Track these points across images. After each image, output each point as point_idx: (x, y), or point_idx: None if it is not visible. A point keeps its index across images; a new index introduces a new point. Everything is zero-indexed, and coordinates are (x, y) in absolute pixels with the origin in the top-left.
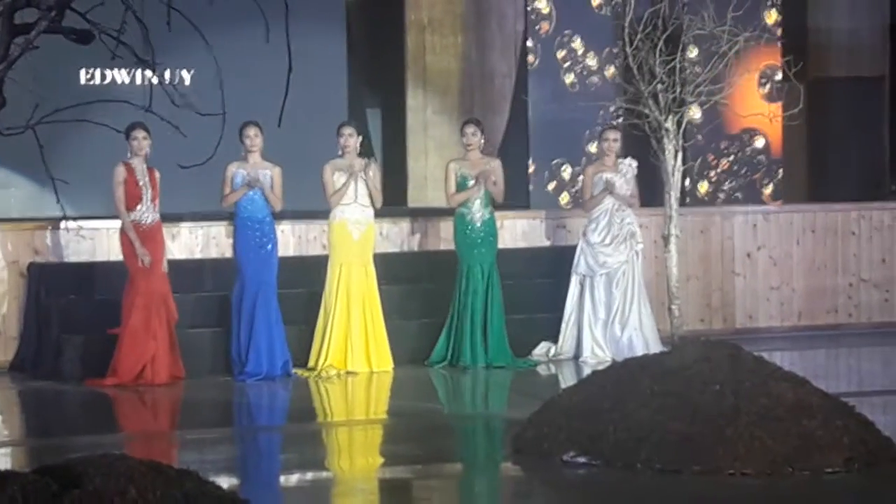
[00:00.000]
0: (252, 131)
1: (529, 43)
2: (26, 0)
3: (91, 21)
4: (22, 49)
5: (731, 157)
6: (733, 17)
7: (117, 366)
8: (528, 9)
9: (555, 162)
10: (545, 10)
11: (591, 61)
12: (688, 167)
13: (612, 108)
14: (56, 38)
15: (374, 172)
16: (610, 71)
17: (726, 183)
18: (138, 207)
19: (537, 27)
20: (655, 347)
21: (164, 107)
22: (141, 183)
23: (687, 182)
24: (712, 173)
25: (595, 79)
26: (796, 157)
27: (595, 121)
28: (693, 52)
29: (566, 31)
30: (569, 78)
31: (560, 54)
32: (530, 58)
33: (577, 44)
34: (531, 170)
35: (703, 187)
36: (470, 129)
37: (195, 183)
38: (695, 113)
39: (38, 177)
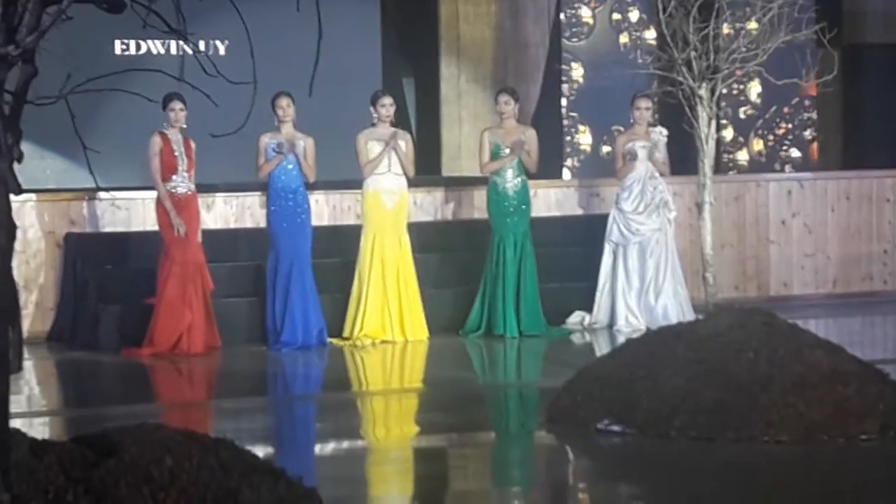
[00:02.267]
0: (284, 101)
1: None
2: None
3: None
4: (54, 18)
5: (790, 124)
6: None
7: (154, 335)
8: None
9: (614, 128)
10: None
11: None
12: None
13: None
14: (91, 8)
15: (407, 143)
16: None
17: (781, 148)
18: (174, 177)
19: None
20: (689, 315)
21: (196, 77)
22: (177, 153)
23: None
24: (770, 137)
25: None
26: (831, 124)
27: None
28: (728, 28)
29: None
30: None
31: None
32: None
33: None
34: (585, 134)
35: (758, 145)
36: (503, 98)
37: (229, 153)
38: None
39: (73, 148)
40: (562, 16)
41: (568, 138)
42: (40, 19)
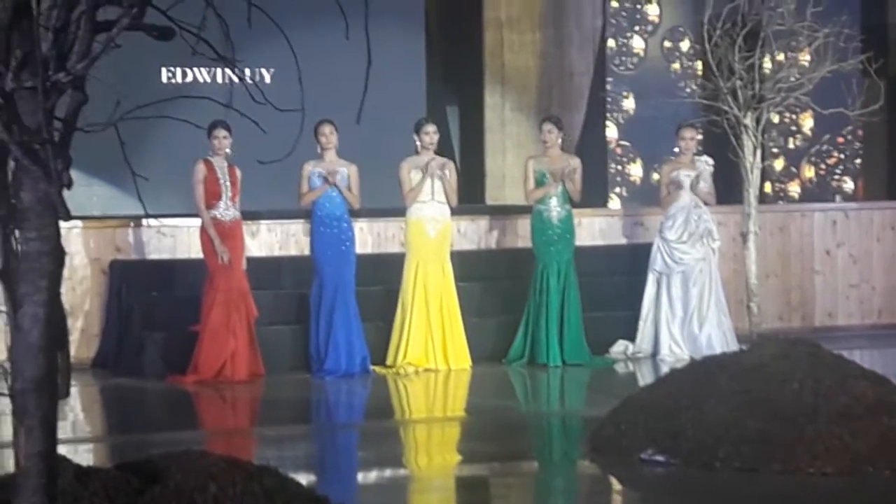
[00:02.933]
0: (327, 129)
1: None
2: None
3: (172, 18)
4: (104, 46)
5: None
6: (812, 14)
7: (198, 363)
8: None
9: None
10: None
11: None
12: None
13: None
14: (138, 36)
15: (451, 172)
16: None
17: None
18: (218, 205)
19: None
20: (733, 345)
21: (244, 104)
22: (221, 180)
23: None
24: (822, 166)
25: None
26: (877, 155)
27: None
28: (778, 56)
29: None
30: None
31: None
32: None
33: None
34: (637, 165)
35: (809, 172)
36: (547, 127)
37: (274, 181)
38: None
39: (119, 175)
40: (611, 43)
41: (619, 167)
42: (90, 46)
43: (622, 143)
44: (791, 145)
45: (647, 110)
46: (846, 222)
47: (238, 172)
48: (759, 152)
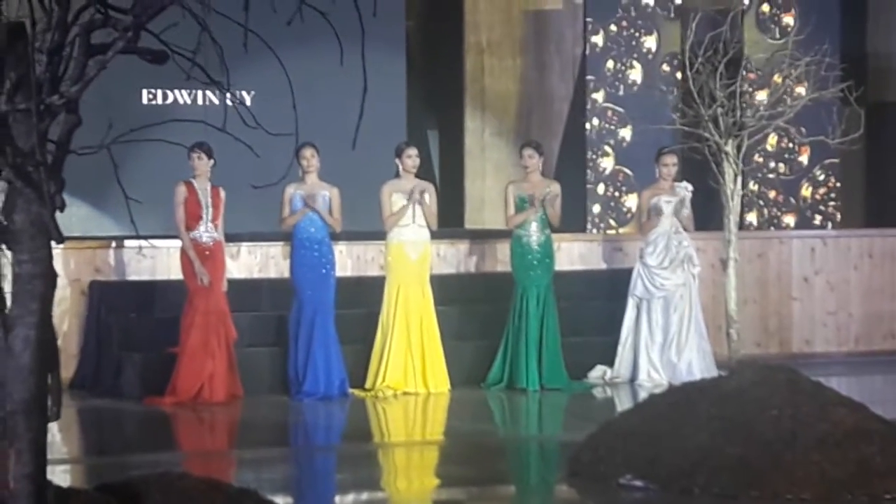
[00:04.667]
0: (309, 152)
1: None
2: (103, 21)
3: (165, 42)
4: (98, 69)
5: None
6: (794, 42)
7: (176, 384)
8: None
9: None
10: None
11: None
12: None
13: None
14: (120, 57)
15: (431, 196)
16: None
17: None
18: (198, 227)
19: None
20: (713, 371)
21: (230, 127)
22: (202, 202)
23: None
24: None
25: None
26: (854, 182)
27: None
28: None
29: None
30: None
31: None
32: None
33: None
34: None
35: (807, 190)
36: (528, 152)
37: (254, 203)
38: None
39: (100, 196)
40: (610, 64)
41: (617, 194)
42: (84, 69)
43: (624, 170)
44: (775, 173)
45: (637, 137)
46: (824, 250)
47: (222, 194)
48: (739, 179)
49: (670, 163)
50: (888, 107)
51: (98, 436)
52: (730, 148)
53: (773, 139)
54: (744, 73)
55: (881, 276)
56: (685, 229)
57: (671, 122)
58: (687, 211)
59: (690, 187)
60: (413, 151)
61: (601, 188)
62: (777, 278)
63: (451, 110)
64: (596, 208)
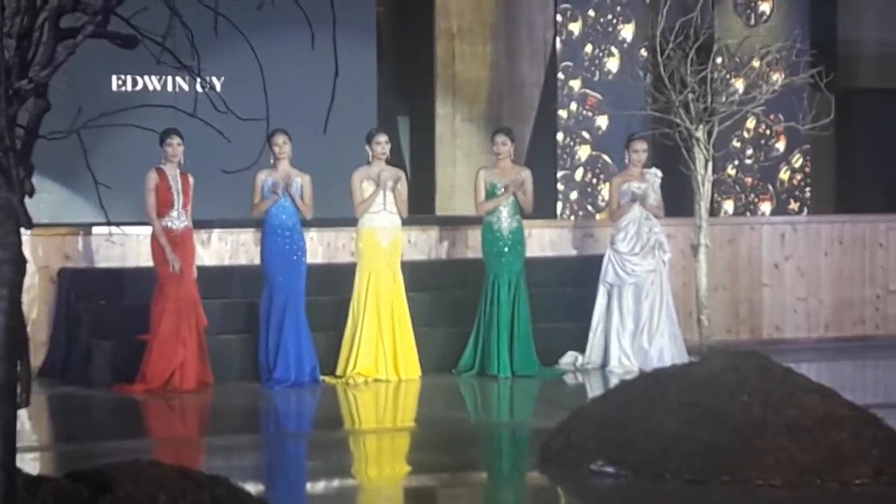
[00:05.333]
0: (281, 139)
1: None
2: (73, 5)
3: (135, 26)
4: (67, 53)
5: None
6: (764, 28)
7: (146, 372)
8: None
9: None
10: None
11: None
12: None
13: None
14: (89, 42)
15: (402, 183)
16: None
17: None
18: (170, 213)
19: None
20: (684, 358)
21: (200, 112)
22: (173, 189)
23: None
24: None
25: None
26: (825, 168)
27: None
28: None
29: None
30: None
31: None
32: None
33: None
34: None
35: (785, 174)
36: (500, 139)
37: (225, 190)
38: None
39: (69, 182)
40: (588, 48)
41: (595, 181)
42: (54, 54)
43: (603, 157)
44: (758, 157)
45: (614, 124)
46: (794, 236)
47: (191, 180)
48: (710, 165)
49: (640, 149)
50: (858, 93)
51: (68, 423)
52: (700, 134)
53: (751, 122)
54: (721, 59)
55: (851, 262)
56: (654, 216)
57: (643, 108)
58: (656, 197)
59: (660, 173)
60: (383, 138)
61: (579, 174)
62: (748, 264)
63: (421, 96)
64: (573, 195)
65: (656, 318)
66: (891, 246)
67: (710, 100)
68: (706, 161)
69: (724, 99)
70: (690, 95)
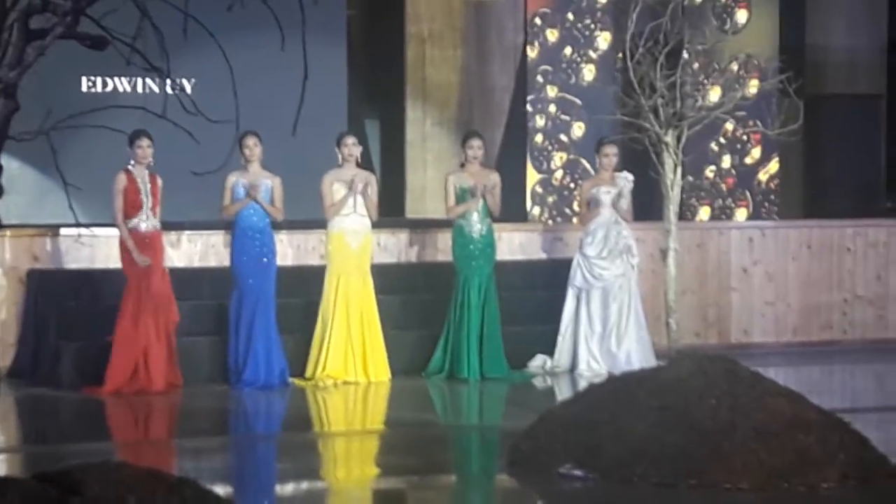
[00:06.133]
0: (251, 141)
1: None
2: (42, 5)
3: (105, 28)
4: (37, 54)
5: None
6: (733, 34)
7: (110, 373)
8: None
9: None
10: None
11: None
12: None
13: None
14: (59, 44)
15: (372, 187)
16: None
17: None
18: (139, 215)
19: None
20: (652, 362)
21: (170, 114)
22: (142, 191)
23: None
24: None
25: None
26: (793, 173)
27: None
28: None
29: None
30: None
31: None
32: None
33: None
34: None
35: (764, 175)
36: (476, 142)
37: (194, 191)
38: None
39: (38, 183)
40: (568, 50)
41: (573, 185)
42: (23, 54)
43: (581, 161)
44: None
45: (591, 129)
46: (763, 240)
47: (159, 181)
48: (679, 169)
49: (610, 153)
50: (826, 99)
51: (36, 425)
52: (670, 138)
53: (730, 125)
54: (693, 64)
55: (819, 266)
56: (623, 220)
57: (612, 113)
58: (626, 202)
59: (631, 177)
60: (351, 140)
61: (557, 177)
62: (716, 268)
63: (392, 100)
64: (551, 199)
65: (624, 322)
66: (858, 251)
67: (679, 104)
68: (675, 165)
69: (694, 103)
70: (660, 100)
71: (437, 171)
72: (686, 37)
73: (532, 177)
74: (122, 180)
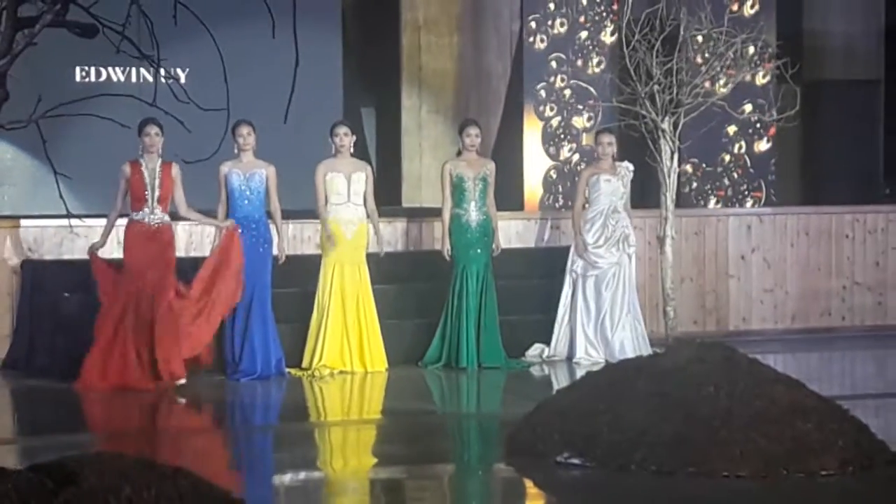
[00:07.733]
0: (245, 130)
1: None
2: None
3: (95, 15)
4: (26, 42)
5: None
6: (730, 20)
7: (83, 368)
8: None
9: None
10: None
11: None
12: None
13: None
14: (52, 33)
15: (368, 177)
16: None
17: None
18: (143, 208)
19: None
20: (646, 351)
21: (164, 103)
22: (147, 182)
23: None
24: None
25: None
26: (791, 160)
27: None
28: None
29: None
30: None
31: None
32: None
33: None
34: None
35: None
36: (474, 130)
37: (187, 180)
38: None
39: (33, 173)
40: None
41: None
42: (12, 43)
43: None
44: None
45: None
46: (760, 227)
47: (174, 171)
48: (675, 156)
49: (605, 141)
50: (823, 85)
51: (31, 416)
52: (666, 125)
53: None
54: (690, 50)
55: (817, 253)
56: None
57: (608, 101)
58: (625, 191)
59: (632, 167)
60: (343, 130)
61: (567, 166)
62: (714, 256)
63: (387, 88)
64: (561, 187)
65: (618, 310)
66: (857, 237)
67: (675, 91)
68: (672, 152)
69: (691, 90)
70: (656, 87)
71: (434, 159)
72: (683, 23)
73: (543, 164)
74: (123, 171)
